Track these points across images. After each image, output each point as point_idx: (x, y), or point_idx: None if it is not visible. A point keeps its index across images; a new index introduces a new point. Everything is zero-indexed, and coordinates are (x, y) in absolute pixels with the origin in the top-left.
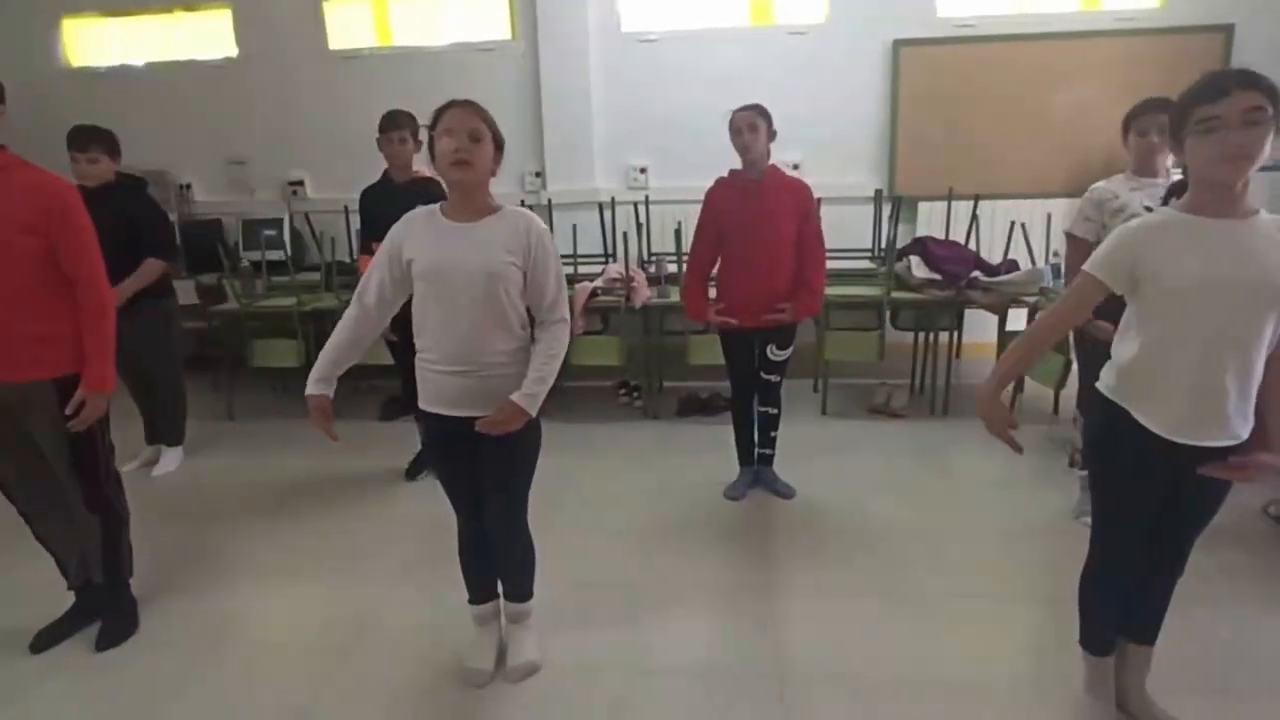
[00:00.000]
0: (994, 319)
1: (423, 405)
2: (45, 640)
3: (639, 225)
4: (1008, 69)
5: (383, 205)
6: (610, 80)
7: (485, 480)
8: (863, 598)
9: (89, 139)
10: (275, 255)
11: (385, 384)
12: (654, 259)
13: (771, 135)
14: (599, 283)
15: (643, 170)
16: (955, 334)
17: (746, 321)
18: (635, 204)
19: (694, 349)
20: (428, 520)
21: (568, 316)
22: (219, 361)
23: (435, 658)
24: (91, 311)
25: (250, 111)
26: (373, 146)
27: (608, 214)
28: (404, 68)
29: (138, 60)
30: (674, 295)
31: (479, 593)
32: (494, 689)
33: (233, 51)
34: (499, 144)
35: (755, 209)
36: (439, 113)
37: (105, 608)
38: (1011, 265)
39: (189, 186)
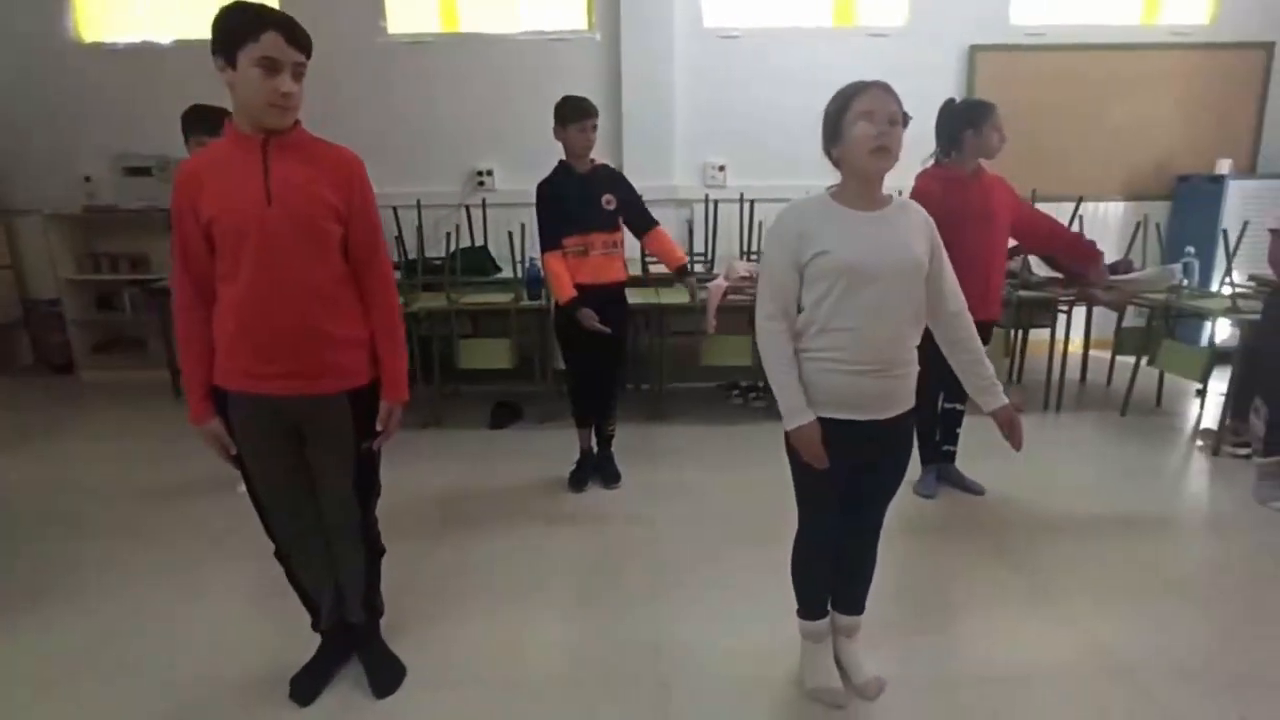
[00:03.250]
0: (1098, 316)
1: (817, 411)
2: (307, 688)
3: (713, 225)
4: (1075, 77)
5: (571, 196)
6: (690, 76)
7: (867, 489)
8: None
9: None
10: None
11: (491, 390)
12: (757, 256)
13: None
14: (725, 280)
15: (721, 168)
16: (1066, 331)
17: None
18: (716, 201)
19: None
20: (645, 534)
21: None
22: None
23: (769, 679)
24: (388, 307)
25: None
26: (441, 147)
27: (695, 212)
28: (469, 55)
29: (163, 37)
30: None
31: (820, 608)
32: (859, 709)
33: None
34: (904, 125)
35: (979, 205)
36: (851, 96)
37: (363, 648)
38: (1128, 264)
39: None
